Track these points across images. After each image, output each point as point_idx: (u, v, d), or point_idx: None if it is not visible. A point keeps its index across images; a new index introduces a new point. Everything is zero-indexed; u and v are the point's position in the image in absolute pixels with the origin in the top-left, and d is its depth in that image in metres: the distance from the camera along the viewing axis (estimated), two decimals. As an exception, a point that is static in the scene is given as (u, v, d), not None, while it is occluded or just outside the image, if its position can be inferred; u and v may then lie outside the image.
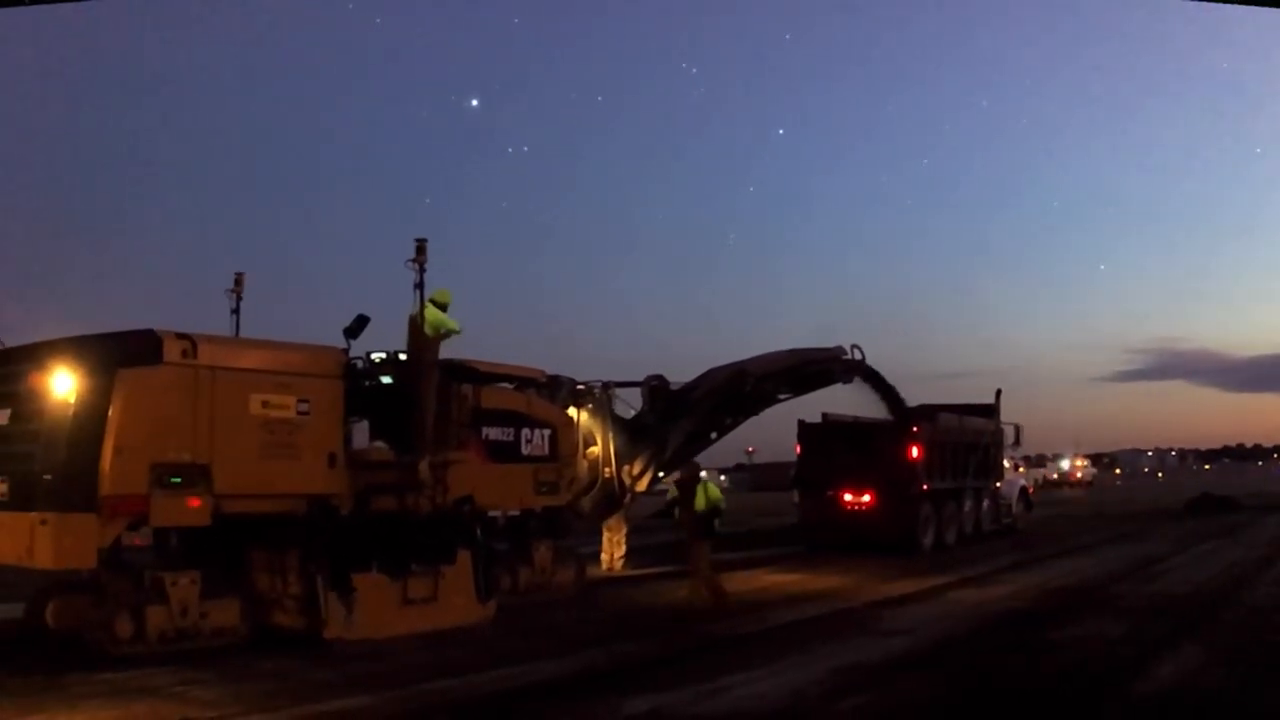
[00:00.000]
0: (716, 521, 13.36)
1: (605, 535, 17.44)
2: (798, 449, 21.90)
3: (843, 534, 20.57)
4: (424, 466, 11.19)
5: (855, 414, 21.87)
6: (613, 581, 15.97)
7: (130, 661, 9.24)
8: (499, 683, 8.73)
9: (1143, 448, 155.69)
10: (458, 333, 12.09)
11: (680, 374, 18.42)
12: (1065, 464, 77.12)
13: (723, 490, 15.82)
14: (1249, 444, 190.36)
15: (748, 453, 66.51)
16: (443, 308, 12.07)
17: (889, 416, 21.44)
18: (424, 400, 11.57)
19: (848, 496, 20.70)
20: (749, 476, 74.54)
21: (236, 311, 12.83)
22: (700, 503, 12.98)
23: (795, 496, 22.74)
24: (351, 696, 8.05)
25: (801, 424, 21.59)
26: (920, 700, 8.26)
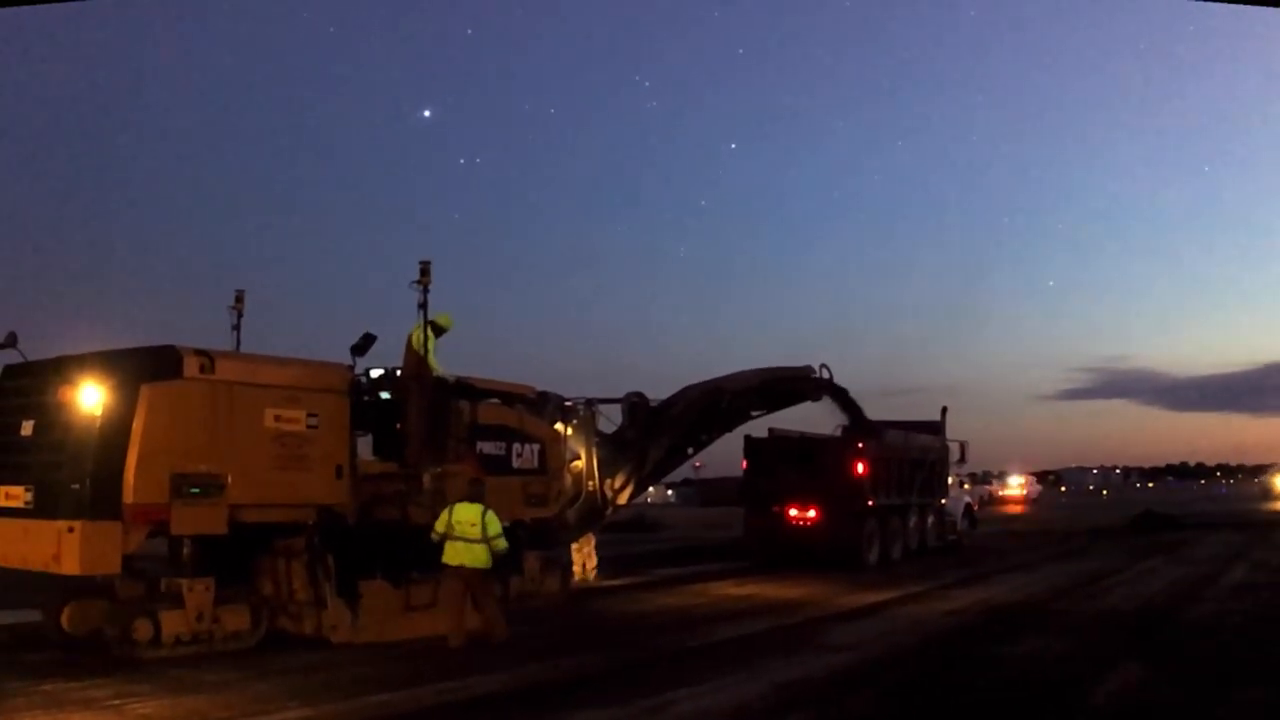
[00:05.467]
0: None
1: (573, 547, 17.53)
2: (744, 464, 21.86)
3: (788, 549, 20.56)
4: (428, 478, 11.75)
5: (801, 429, 22.09)
6: (583, 594, 16.00)
7: (97, 670, 9.40)
8: (442, 695, 8.73)
9: (1087, 465, 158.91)
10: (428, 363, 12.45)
11: (629, 386, 18.47)
12: (1014, 481, 79.52)
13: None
14: (1191, 462, 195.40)
15: (695, 467, 66.74)
16: (441, 331, 12.62)
17: (854, 433, 21.64)
18: (418, 415, 12.13)
19: (793, 512, 20.72)
20: (696, 491, 74.66)
21: (237, 328, 13.29)
22: None
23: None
24: (290, 710, 8.10)
25: (748, 439, 21.48)
26: (865, 716, 8.39)
